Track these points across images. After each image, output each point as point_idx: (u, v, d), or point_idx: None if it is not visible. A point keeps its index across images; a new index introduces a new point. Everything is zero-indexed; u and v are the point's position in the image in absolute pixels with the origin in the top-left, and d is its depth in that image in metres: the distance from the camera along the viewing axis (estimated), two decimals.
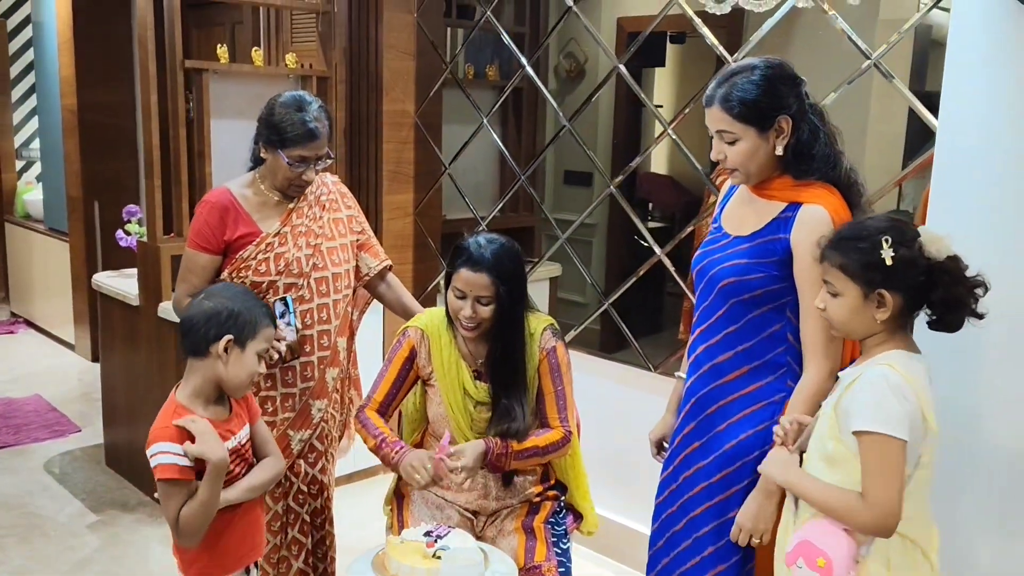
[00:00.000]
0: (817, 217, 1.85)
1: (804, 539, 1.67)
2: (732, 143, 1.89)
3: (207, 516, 1.87)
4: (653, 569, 2.15)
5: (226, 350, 1.92)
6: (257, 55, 3.72)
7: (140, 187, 5.73)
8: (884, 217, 1.75)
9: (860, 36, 2.56)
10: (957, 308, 1.65)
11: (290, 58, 3.76)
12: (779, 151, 1.88)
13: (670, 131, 3.06)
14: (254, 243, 2.38)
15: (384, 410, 2.34)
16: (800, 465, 1.76)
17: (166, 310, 3.47)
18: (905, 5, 2.48)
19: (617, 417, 3.21)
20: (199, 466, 1.86)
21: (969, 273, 1.65)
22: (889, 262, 1.62)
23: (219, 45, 3.63)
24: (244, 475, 1.97)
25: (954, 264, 1.64)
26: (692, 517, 2.03)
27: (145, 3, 3.36)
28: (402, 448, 2.25)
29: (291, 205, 2.44)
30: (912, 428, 1.59)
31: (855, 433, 1.61)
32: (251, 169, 2.48)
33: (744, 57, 2.77)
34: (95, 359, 5.64)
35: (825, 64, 2.79)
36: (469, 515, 2.35)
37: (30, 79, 6.60)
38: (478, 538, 2.23)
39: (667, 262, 3.13)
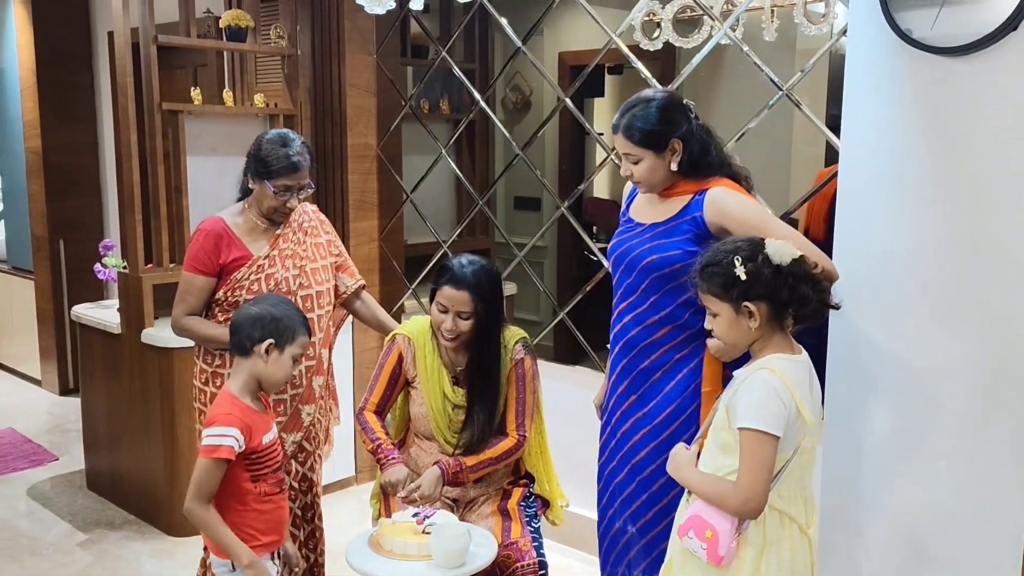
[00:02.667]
0: (722, 191, 2.16)
1: (695, 514, 1.89)
2: (636, 163, 2.23)
3: (210, 535, 2.17)
4: (602, 520, 2.40)
5: (267, 351, 2.18)
6: (228, 96, 3.98)
7: (104, 224, 5.92)
8: (737, 238, 1.97)
9: (780, 66, 2.88)
10: (805, 302, 1.86)
11: (259, 98, 4.02)
12: (674, 167, 2.21)
13: (613, 157, 3.38)
14: (246, 265, 2.64)
15: (381, 410, 2.62)
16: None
17: (150, 336, 3.68)
18: (819, 37, 2.82)
19: (576, 418, 3.48)
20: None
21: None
22: (743, 277, 1.83)
23: (193, 88, 3.88)
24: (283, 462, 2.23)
25: (797, 266, 1.85)
26: (634, 463, 2.28)
27: (124, 51, 3.61)
28: (392, 458, 2.53)
29: (278, 231, 2.71)
30: (788, 424, 1.81)
31: (739, 428, 1.82)
32: (240, 199, 2.74)
33: (676, 87, 3.12)
34: (63, 392, 5.78)
35: (748, 93, 3.14)
36: (450, 503, 2.62)
37: None
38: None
39: None
